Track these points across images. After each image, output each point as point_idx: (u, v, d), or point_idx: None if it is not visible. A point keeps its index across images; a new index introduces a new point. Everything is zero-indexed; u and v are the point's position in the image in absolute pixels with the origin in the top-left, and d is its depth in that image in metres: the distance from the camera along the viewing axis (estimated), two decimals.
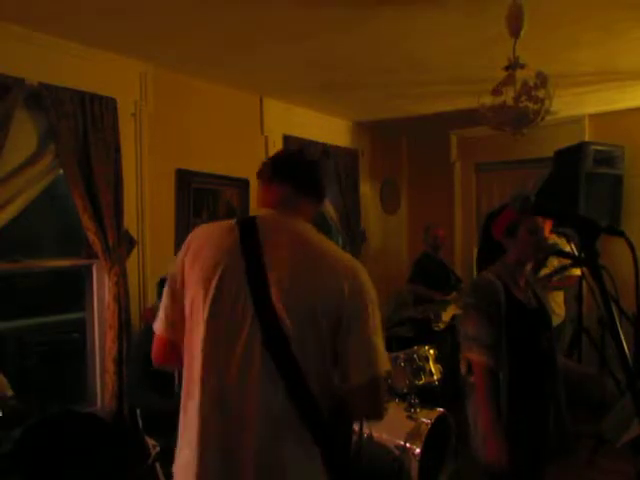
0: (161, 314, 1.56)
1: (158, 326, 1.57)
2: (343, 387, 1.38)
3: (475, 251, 5.65)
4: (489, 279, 2.19)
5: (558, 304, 4.50)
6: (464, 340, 2.18)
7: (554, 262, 4.15)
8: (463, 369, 2.24)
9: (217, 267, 1.41)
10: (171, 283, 1.53)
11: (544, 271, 4.13)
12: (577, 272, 4.33)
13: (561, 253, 2.52)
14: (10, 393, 2.66)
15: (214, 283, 1.39)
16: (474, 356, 2.13)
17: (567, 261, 4.09)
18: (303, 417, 1.34)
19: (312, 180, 1.57)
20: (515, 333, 2.15)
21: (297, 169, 1.57)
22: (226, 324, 1.38)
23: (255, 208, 1.57)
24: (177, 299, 1.51)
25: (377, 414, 1.50)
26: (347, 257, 1.47)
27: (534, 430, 2.18)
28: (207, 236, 1.51)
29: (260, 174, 1.59)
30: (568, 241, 3.98)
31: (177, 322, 1.51)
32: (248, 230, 1.45)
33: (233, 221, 1.50)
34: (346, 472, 1.48)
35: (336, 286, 1.37)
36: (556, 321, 4.19)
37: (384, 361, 1.39)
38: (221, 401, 1.36)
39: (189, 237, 1.55)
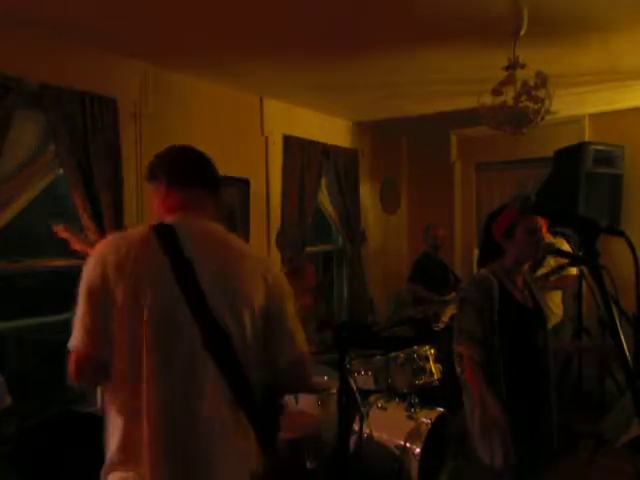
0: (80, 330, 1.43)
1: (78, 342, 1.43)
2: (273, 369, 1.52)
3: (475, 251, 5.66)
4: (483, 274, 2.23)
5: (556, 304, 4.50)
6: (456, 332, 2.25)
7: (551, 262, 4.15)
8: (458, 368, 2.26)
9: (146, 280, 1.42)
10: (91, 299, 1.43)
11: (541, 271, 4.14)
12: (574, 271, 4.33)
13: (560, 253, 2.53)
14: (9, 401, 2.65)
15: (148, 296, 1.40)
16: (463, 349, 2.19)
17: (564, 260, 4.10)
18: (241, 404, 1.46)
19: (206, 175, 1.61)
20: (509, 330, 2.16)
21: (192, 168, 1.60)
22: (166, 333, 1.41)
23: (160, 213, 1.60)
24: (99, 314, 1.42)
25: (306, 387, 1.79)
26: (260, 253, 1.61)
27: (530, 428, 2.18)
28: (126, 248, 1.45)
29: (154, 178, 1.59)
30: (568, 241, 3.99)
31: (100, 337, 1.42)
32: (168, 239, 1.46)
33: (146, 230, 1.49)
34: (273, 443, 1.63)
35: (260, 280, 1.50)
36: (554, 321, 4.19)
37: (303, 342, 1.56)
38: (171, 411, 1.40)
39: (101, 249, 1.47)
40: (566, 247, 4.11)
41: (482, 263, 2.36)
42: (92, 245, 2.10)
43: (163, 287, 1.42)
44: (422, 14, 2.92)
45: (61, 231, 2.24)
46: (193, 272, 1.43)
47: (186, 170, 1.60)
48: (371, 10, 2.89)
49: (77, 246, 2.14)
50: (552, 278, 4.16)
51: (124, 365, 1.42)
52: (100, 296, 1.42)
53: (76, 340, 1.43)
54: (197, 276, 1.43)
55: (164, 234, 1.48)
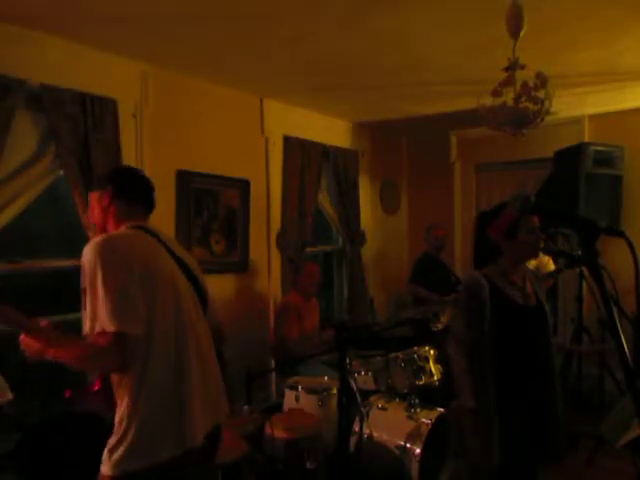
0: (137, 315, 1.59)
1: (139, 326, 1.59)
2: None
3: None
4: (474, 276, 2.23)
5: None
6: (451, 336, 2.29)
7: (532, 262, 4.15)
8: (454, 371, 2.27)
9: (167, 268, 1.77)
10: (128, 291, 1.60)
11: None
12: (552, 267, 4.34)
13: (560, 253, 2.53)
14: (10, 396, 2.66)
15: (176, 280, 1.77)
16: (453, 353, 2.22)
17: (547, 267, 4.13)
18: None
19: (151, 196, 2.00)
20: (504, 331, 2.16)
21: (144, 187, 1.98)
22: (190, 306, 1.80)
23: (104, 218, 1.91)
24: (139, 299, 1.61)
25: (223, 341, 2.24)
26: None
27: (533, 428, 2.18)
28: (141, 245, 1.75)
29: (121, 192, 1.88)
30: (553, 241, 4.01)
31: (144, 314, 1.63)
32: (158, 238, 1.83)
33: (142, 231, 1.82)
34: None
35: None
36: None
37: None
38: (204, 362, 1.81)
39: (120, 247, 1.68)
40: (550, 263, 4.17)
41: (478, 264, 2.35)
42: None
43: (175, 270, 1.79)
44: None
45: None
46: (179, 257, 1.85)
47: (135, 186, 1.95)
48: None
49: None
50: (552, 279, 4.17)
51: (162, 338, 1.67)
52: (136, 286, 1.62)
53: (131, 323, 1.57)
54: (181, 258, 1.86)
55: (153, 234, 1.84)
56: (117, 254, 1.63)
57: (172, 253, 1.82)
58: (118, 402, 1.65)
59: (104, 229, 1.88)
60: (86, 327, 1.59)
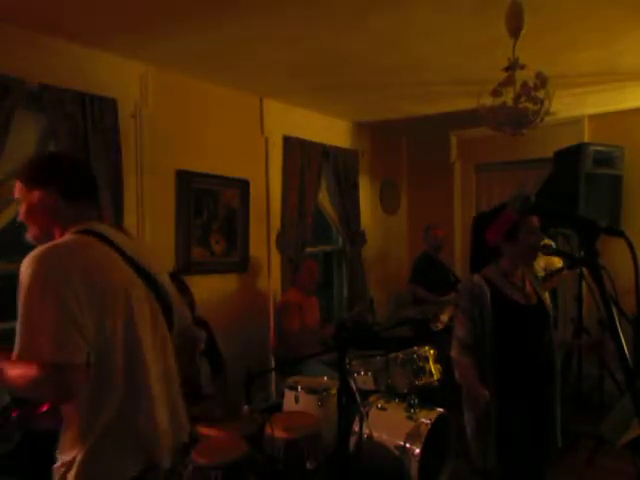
0: (81, 343, 1.34)
1: (80, 355, 1.34)
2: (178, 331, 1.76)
3: None
4: (473, 281, 2.24)
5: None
6: (453, 339, 2.30)
7: (541, 263, 4.15)
8: (456, 375, 2.29)
9: (121, 280, 1.50)
10: (70, 314, 1.34)
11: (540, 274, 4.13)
12: (559, 264, 4.33)
13: (561, 253, 2.53)
14: (7, 398, 2.65)
15: (130, 293, 1.51)
16: (455, 354, 2.25)
17: (554, 265, 4.12)
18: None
19: (89, 183, 1.66)
20: (505, 333, 2.16)
21: (87, 180, 1.65)
22: (147, 320, 1.57)
23: (49, 223, 1.60)
24: (82, 323, 1.37)
25: (199, 343, 2.14)
26: None
27: (533, 428, 2.18)
28: (89, 255, 1.47)
29: (41, 185, 1.57)
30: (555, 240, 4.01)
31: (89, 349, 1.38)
32: (109, 243, 1.55)
33: (91, 237, 1.52)
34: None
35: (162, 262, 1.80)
36: None
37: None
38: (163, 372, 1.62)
39: (64, 261, 1.41)
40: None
41: (475, 266, 2.35)
42: None
43: (128, 278, 1.54)
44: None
45: None
46: (138, 263, 1.59)
47: (83, 182, 1.63)
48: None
49: None
50: (553, 278, 4.16)
51: (118, 358, 1.48)
52: (76, 308, 1.37)
53: (76, 354, 1.34)
54: (141, 265, 1.60)
55: (103, 239, 1.55)
56: (60, 270, 1.38)
57: (129, 258, 1.56)
58: (65, 425, 1.48)
59: (49, 235, 1.58)
60: (15, 350, 1.34)
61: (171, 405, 1.61)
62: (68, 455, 1.46)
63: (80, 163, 1.73)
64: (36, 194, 1.58)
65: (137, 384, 1.49)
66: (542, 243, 2.28)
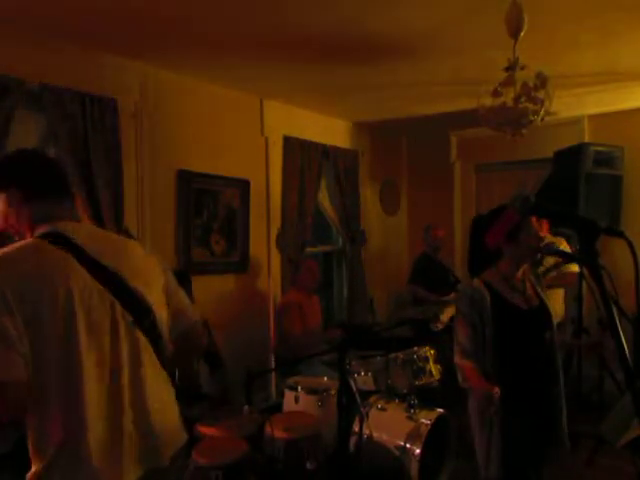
0: (16, 358, 1.28)
1: (20, 372, 1.29)
2: (174, 335, 1.65)
3: None
4: (473, 286, 2.24)
5: (558, 303, 4.49)
6: (454, 345, 2.28)
7: (550, 261, 4.15)
8: (459, 378, 2.28)
9: (64, 285, 1.36)
10: (2, 330, 1.27)
11: (539, 270, 4.13)
12: (575, 268, 4.32)
13: (560, 253, 2.53)
14: None
15: (81, 302, 1.38)
16: (458, 360, 2.24)
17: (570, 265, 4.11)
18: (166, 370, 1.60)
19: (63, 180, 1.56)
20: (506, 338, 2.16)
21: (50, 175, 1.53)
22: (98, 324, 1.42)
23: (33, 224, 1.48)
24: (15, 342, 1.30)
25: (199, 351, 2.04)
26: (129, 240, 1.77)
27: (529, 432, 2.18)
28: (22, 268, 1.35)
29: (24, 190, 1.48)
30: (567, 240, 3.99)
31: (25, 363, 1.31)
32: (65, 243, 1.42)
33: (42, 242, 1.41)
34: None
35: (155, 263, 1.66)
36: (555, 321, 4.17)
37: (196, 310, 1.79)
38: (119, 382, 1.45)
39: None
40: (564, 246, 4.12)
41: (474, 269, 2.34)
42: None
43: (82, 285, 1.40)
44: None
45: None
46: (103, 266, 1.45)
47: (45, 178, 1.52)
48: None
49: None
50: (552, 274, 4.16)
51: (59, 374, 1.36)
52: (10, 326, 1.29)
53: (13, 370, 1.29)
54: (108, 267, 1.46)
55: (57, 241, 1.42)
56: None
57: (88, 261, 1.43)
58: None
59: (23, 238, 1.49)
60: None
61: (140, 412, 1.48)
62: (33, 466, 1.44)
63: (45, 160, 1.60)
64: (2, 197, 1.48)
65: (75, 399, 1.37)
66: (544, 243, 2.28)
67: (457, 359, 2.25)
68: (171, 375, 1.66)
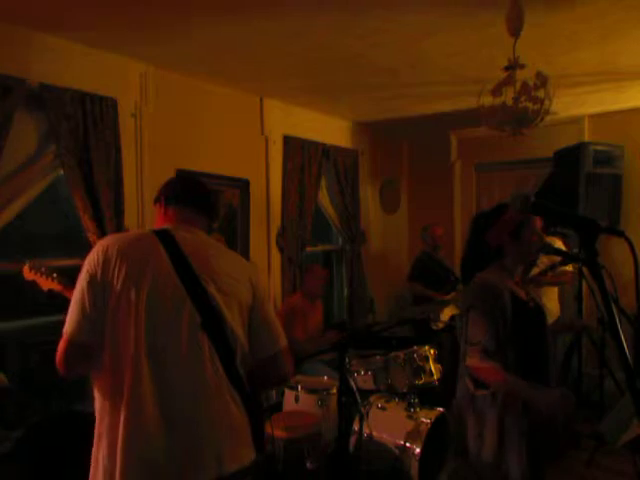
0: (74, 315, 1.50)
1: (73, 327, 1.50)
2: (254, 361, 1.67)
3: None
4: (492, 283, 2.14)
5: (553, 301, 4.50)
6: (469, 346, 2.09)
7: (544, 260, 4.15)
8: (470, 385, 2.15)
9: (145, 269, 1.53)
10: (90, 285, 1.51)
11: (535, 270, 4.12)
12: (569, 267, 4.33)
13: (560, 252, 2.52)
14: (5, 381, 2.66)
15: (146, 283, 1.52)
16: (476, 362, 2.06)
17: (557, 258, 4.11)
18: (233, 383, 1.59)
19: (198, 197, 1.79)
20: (522, 335, 2.13)
21: (186, 191, 1.79)
22: (167, 316, 1.53)
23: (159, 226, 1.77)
24: (96, 301, 1.50)
25: (282, 381, 1.87)
26: (242, 257, 1.84)
27: (537, 429, 2.17)
28: (127, 242, 1.60)
29: (158, 200, 1.80)
30: (563, 239, 3.99)
31: (97, 321, 1.50)
32: (166, 237, 1.62)
33: (146, 231, 1.68)
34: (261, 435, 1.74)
35: (247, 281, 1.68)
36: (550, 318, 4.18)
37: (283, 337, 1.73)
38: (172, 387, 1.50)
39: (103, 243, 1.59)
40: (560, 245, 4.12)
41: (472, 268, 2.29)
42: (63, 284, 2.07)
43: (163, 275, 1.54)
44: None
45: (26, 272, 2.13)
46: (190, 264, 1.58)
47: (182, 192, 1.78)
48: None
49: (46, 287, 2.04)
50: (551, 273, 4.16)
51: (114, 353, 1.49)
52: (99, 283, 1.51)
53: (68, 325, 1.51)
54: (193, 269, 1.58)
55: (162, 234, 1.64)
56: (88, 259, 1.56)
57: (181, 259, 1.58)
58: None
59: None
60: None
61: (176, 442, 1.47)
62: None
63: (182, 181, 1.95)
64: (156, 207, 1.83)
65: (118, 385, 1.48)
66: (543, 243, 2.27)
67: (474, 362, 2.06)
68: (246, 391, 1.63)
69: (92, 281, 1.51)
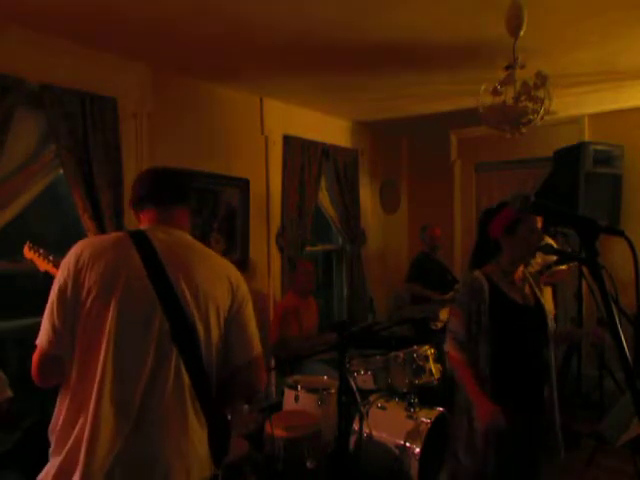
0: (47, 327, 1.48)
1: (44, 340, 1.48)
2: (229, 367, 1.60)
3: None
4: (474, 276, 2.23)
5: (547, 300, 4.50)
6: (447, 332, 2.28)
7: (538, 259, 4.15)
8: (449, 366, 2.33)
9: (118, 275, 1.49)
10: (60, 294, 1.49)
11: (529, 269, 4.12)
12: (564, 266, 4.33)
13: (560, 253, 2.52)
14: (10, 393, 2.66)
15: (119, 287, 1.47)
16: (449, 349, 2.23)
17: (551, 258, 4.11)
18: (200, 397, 1.52)
19: (172, 191, 1.71)
20: (501, 331, 2.16)
21: (157, 189, 1.70)
22: (138, 325, 1.47)
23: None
24: (68, 310, 1.48)
25: (255, 391, 1.72)
26: (223, 258, 1.70)
27: (520, 429, 2.17)
28: (101, 246, 1.54)
29: (130, 204, 1.74)
30: (555, 239, 4.00)
31: (65, 335, 1.47)
32: (140, 240, 1.56)
33: (120, 233, 1.62)
34: (222, 450, 1.61)
35: (226, 283, 1.60)
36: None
37: (258, 345, 1.65)
38: (130, 394, 1.44)
39: (77, 248, 1.55)
40: (550, 243, 4.14)
41: (476, 262, 2.33)
42: (56, 267, 2.07)
43: (136, 281, 1.49)
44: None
45: (26, 251, 2.19)
46: (164, 270, 1.52)
47: (155, 189, 1.70)
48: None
49: (43, 268, 2.10)
50: (547, 273, 4.16)
51: (85, 358, 1.46)
52: (69, 298, 1.48)
53: (40, 337, 1.50)
54: (167, 273, 1.52)
55: (136, 236, 1.58)
56: (62, 263, 1.54)
57: (154, 260, 1.53)
58: None
59: None
60: None
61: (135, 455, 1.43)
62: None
63: (156, 176, 1.76)
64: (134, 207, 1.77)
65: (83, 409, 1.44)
66: (542, 243, 2.27)
67: (449, 347, 2.23)
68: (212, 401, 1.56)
69: (61, 296, 1.48)
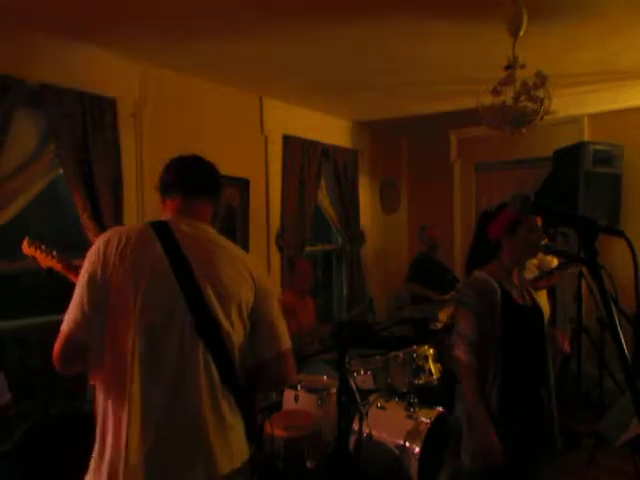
0: (75, 311, 1.49)
1: (71, 324, 1.49)
2: (253, 362, 1.60)
3: None
4: (484, 278, 2.18)
5: (543, 303, 4.51)
6: (455, 336, 2.20)
7: (534, 261, 4.15)
8: (457, 372, 2.20)
9: (144, 265, 1.49)
10: (90, 279, 1.49)
11: (528, 274, 4.12)
12: (555, 262, 4.33)
13: (560, 252, 2.52)
14: (9, 397, 2.66)
15: (144, 280, 1.48)
16: (460, 354, 2.15)
17: (549, 264, 4.12)
18: (229, 389, 1.53)
19: (200, 183, 1.72)
20: (511, 333, 2.15)
21: (185, 178, 1.71)
22: (158, 316, 1.48)
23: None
24: (98, 295, 1.49)
25: (286, 383, 1.81)
26: (246, 253, 1.69)
27: (526, 430, 2.17)
28: (127, 236, 1.54)
29: (158, 188, 1.73)
30: (554, 240, 4.00)
31: (94, 320, 1.48)
32: (164, 232, 1.56)
33: (144, 225, 1.60)
34: (255, 432, 1.66)
35: (248, 278, 1.59)
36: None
37: (287, 339, 1.64)
38: (161, 393, 1.45)
39: (105, 236, 1.56)
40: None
41: (474, 263, 2.32)
42: (63, 264, 2.05)
43: (159, 273, 1.50)
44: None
45: (25, 247, 2.11)
46: (188, 263, 1.52)
47: (184, 178, 1.71)
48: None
49: (45, 264, 2.04)
50: (545, 278, 4.17)
51: (114, 351, 1.47)
52: (99, 282, 1.49)
53: (67, 322, 1.51)
54: (190, 266, 1.51)
55: (160, 228, 1.58)
56: (89, 254, 1.55)
57: (181, 262, 1.52)
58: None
59: None
60: None
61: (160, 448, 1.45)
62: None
63: (184, 165, 1.80)
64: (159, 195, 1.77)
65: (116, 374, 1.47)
66: (543, 243, 2.27)
67: (460, 352, 2.14)
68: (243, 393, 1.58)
69: (91, 280, 1.49)
